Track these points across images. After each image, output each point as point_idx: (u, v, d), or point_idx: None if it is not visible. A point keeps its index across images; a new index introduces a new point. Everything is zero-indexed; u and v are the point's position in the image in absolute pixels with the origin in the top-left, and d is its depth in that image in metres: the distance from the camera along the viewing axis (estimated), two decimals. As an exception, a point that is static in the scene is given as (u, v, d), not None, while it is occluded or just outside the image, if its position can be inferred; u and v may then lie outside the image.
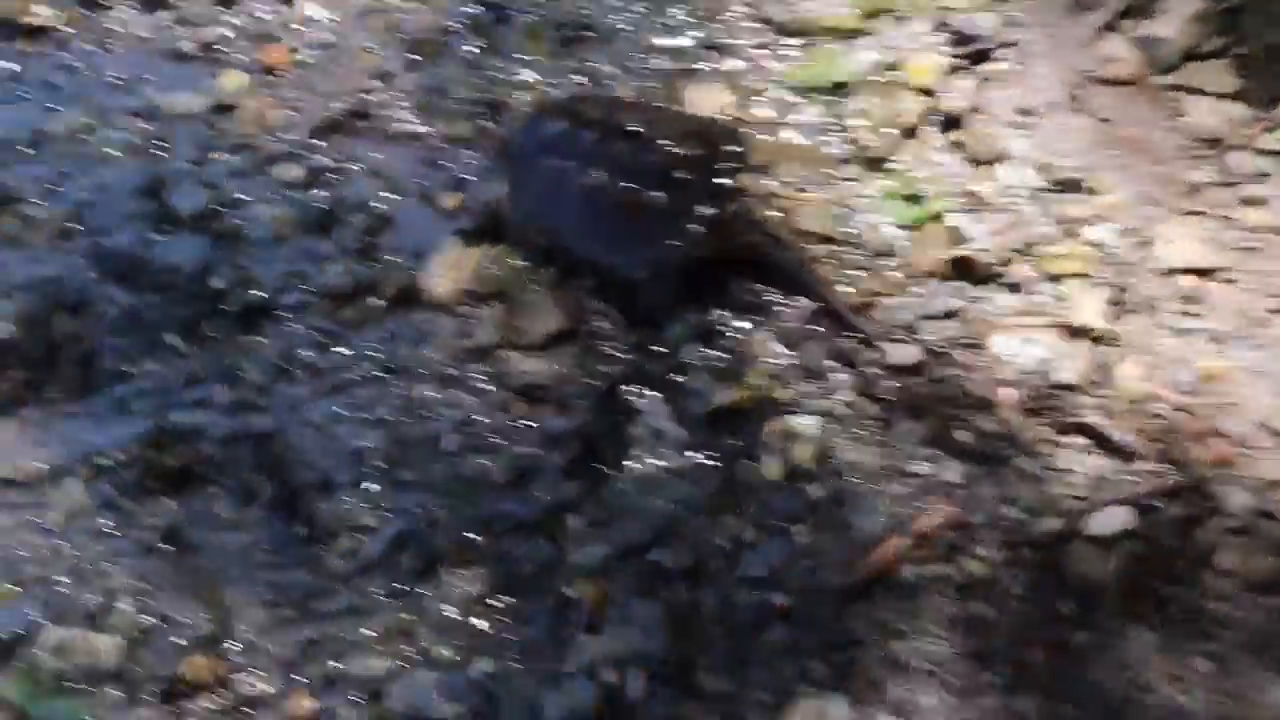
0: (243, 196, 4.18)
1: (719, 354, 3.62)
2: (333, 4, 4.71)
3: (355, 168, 4.15)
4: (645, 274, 3.45)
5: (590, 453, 3.47)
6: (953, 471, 3.26)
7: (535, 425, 3.51)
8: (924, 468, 3.29)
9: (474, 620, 3.02)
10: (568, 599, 3.00)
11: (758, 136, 3.87)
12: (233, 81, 4.52)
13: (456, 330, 3.59)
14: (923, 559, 3.08)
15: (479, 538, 3.33)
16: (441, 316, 3.65)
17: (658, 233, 3.44)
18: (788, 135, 3.94)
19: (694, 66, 4.22)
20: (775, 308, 3.63)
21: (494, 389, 3.46)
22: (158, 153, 4.35)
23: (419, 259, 3.80)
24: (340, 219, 4.05)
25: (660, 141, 3.53)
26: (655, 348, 3.61)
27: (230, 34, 4.69)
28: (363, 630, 3.03)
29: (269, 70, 4.53)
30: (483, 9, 4.59)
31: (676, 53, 4.25)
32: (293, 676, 2.99)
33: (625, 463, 3.40)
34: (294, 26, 4.68)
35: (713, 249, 3.49)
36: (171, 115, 4.45)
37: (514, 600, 3.05)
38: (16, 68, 4.62)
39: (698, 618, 2.90)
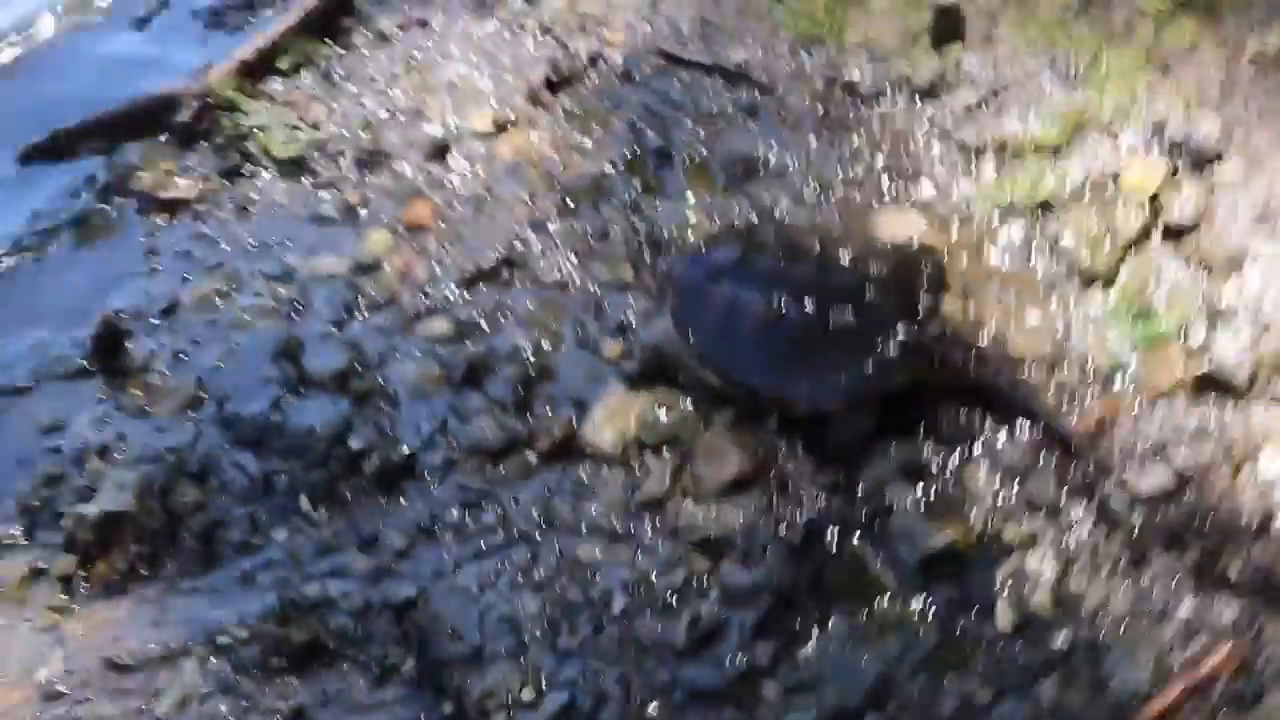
0: (385, 355, 4.10)
1: (930, 492, 3.27)
2: (482, 158, 4.68)
3: (507, 319, 4.11)
4: (838, 405, 3.16)
5: (785, 609, 3.14)
6: (1228, 609, 2.82)
7: (718, 582, 3.19)
8: (1189, 607, 2.85)
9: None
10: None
11: (958, 260, 3.55)
12: (377, 241, 4.47)
13: (623, 482, 3.44)
14: (1205, 713, 2.63)
15: (657, 711, 2.98)
16: (606, 468, 3.50)
17: (849, 360, 3.24)
18: (992, 259, 3.62)
19: (880, 195, 3.93)
20: (989, 438, 3.29)
21: (668, 544, 3.28)
22: (294, 317, 4.30)
23: (579, 409, 3.66)
24: (491, 371, 3.95)
25: (846, 264, 3.35)
26: (854, 489, 3.28)
27: (373, 195, 4.66)
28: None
29: (414, 227, 4.47)
30: (641, 152, 4.51)
31: (858, 182, 4.06)
32: None
33: (827, 619, 3.03)
34: (442, 183, 4.63)
35: (912, 376, 3.29)
36: (310, 278, 4.42)
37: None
38: (153, 239, 4.68)
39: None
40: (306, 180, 4.77)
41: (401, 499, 3.57)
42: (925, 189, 4.04)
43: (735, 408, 3.45)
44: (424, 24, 5.38)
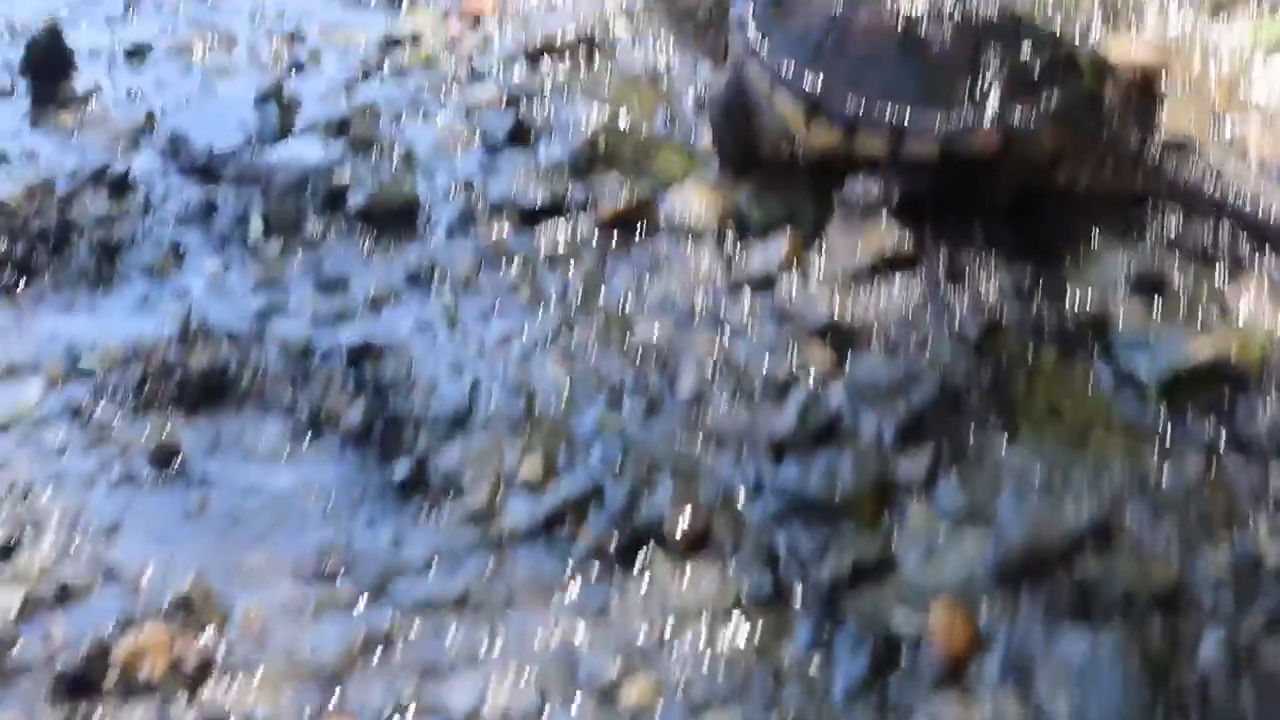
0: (404, 113, 3.17)
1: (1177, 304, 2.21)
2: None
3: (574, 94, 3.21)
4: (994, 139, 2.45)
5: (948, 415, 2.06)
6: None
7: (847, 376, 2.16)
8: None
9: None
10: (892, 638, 1.90)
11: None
12: (421, 18, 3.63)
13: (711, 257, 2.61)
14: None
15: (732, 517, 1.90)
16: (689, 243, 2.65)
17: (1014, 91, 2.49)
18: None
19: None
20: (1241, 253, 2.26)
21: (772, 328, 2.41)
22: (294, 73, 3.38)
23: (659, 190, 2.78)
24: (545, 136, 3.02)
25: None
26: (1061, 291, 2.25)
27: None
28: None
29: (475, 14, 3.58)
30: None
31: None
32: None
33: (1014, 436, 1.96)
34: None
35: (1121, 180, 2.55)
36: (326, 44, 3.52)
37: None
38: None
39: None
40: None
41: (391, 244, 2.76)
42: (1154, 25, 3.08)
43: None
44: None
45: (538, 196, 2.76)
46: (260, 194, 2.84)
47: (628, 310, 2.45)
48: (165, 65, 3.46)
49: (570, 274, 2.56)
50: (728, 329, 2.37)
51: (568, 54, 3.32)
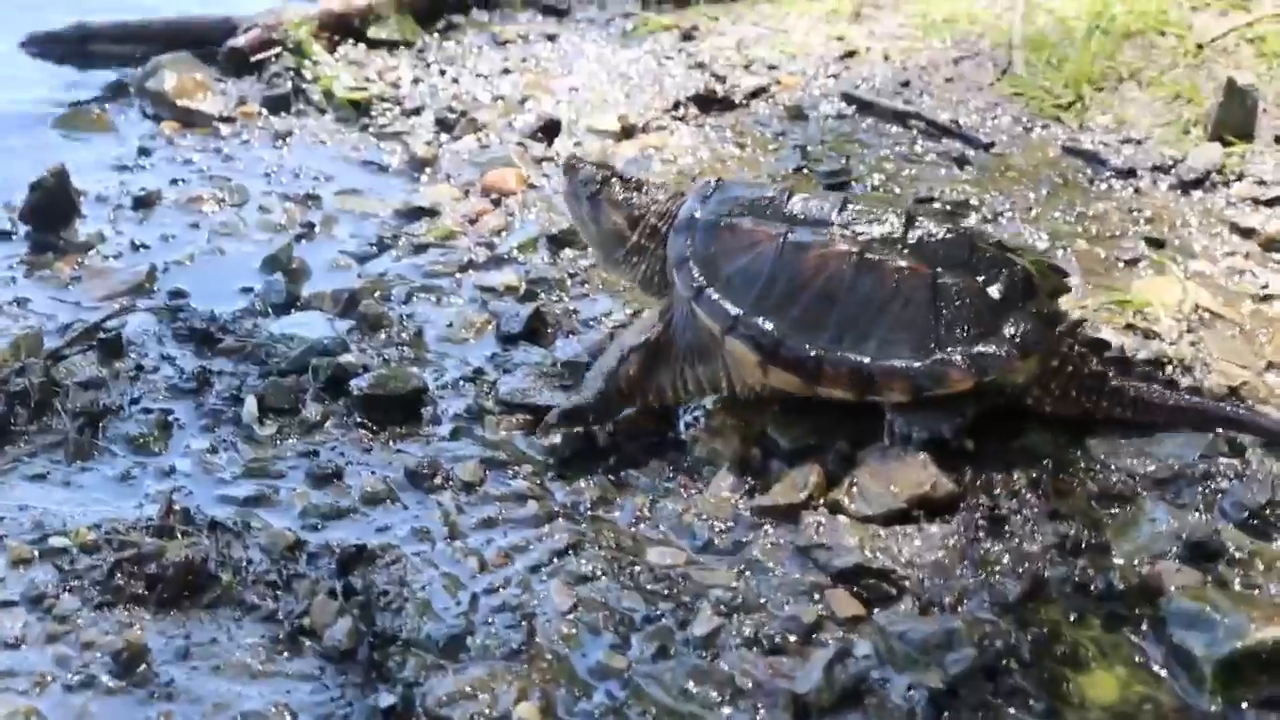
0: (415, 293, 3.11)
1: (1231, 575, 2.10)
2: (599, 149, 3.90)
3: (598, 287, 3.18)
4: (1020, 366, 2.50)
5: (983, 682, 1.91)
6: None
7: (876, 629, 2.04)
8: None
9: None
10: None
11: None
12: (440, 192, 3.61)
13: (733, 484, 2.48)
14: None
15: None
16: (711, 466, 2.54)
17: (1013, 321, 2.55)
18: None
19: (1134, 259, 3.30)
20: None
21: (796, 565, 2.27)
22: (304, 240, 3.36)
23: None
24: (560, 331, 2.98)
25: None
26: (1105, 550, 2.17)
27: (447, 155, 3.83)
28: None
29: (495, 192, 3.60)
30: (808, 172, 3.72)
31: (1103, 239, 3.38)
32: None
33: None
34: (542, 159, 3.83)
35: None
36: (340, 209, 3.48)
37: None
38: (153, 142, 3.89)
39: None
40: (367, 127, 4.03)
41: (393, 436, 2.64)
42: (1191, 261, 3.02)
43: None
44: (552, 38, 4.78)
45: (552, 397, 2.65)
46: (259, 369, 2.75)
47: (640, 532, 2.31)
48: (172, 218, 3.43)
49: (581, 488, 2.44)
50: (748, 564, 2.23)
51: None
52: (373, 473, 2.46)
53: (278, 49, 4.29)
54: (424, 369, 2.79)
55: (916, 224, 2.61)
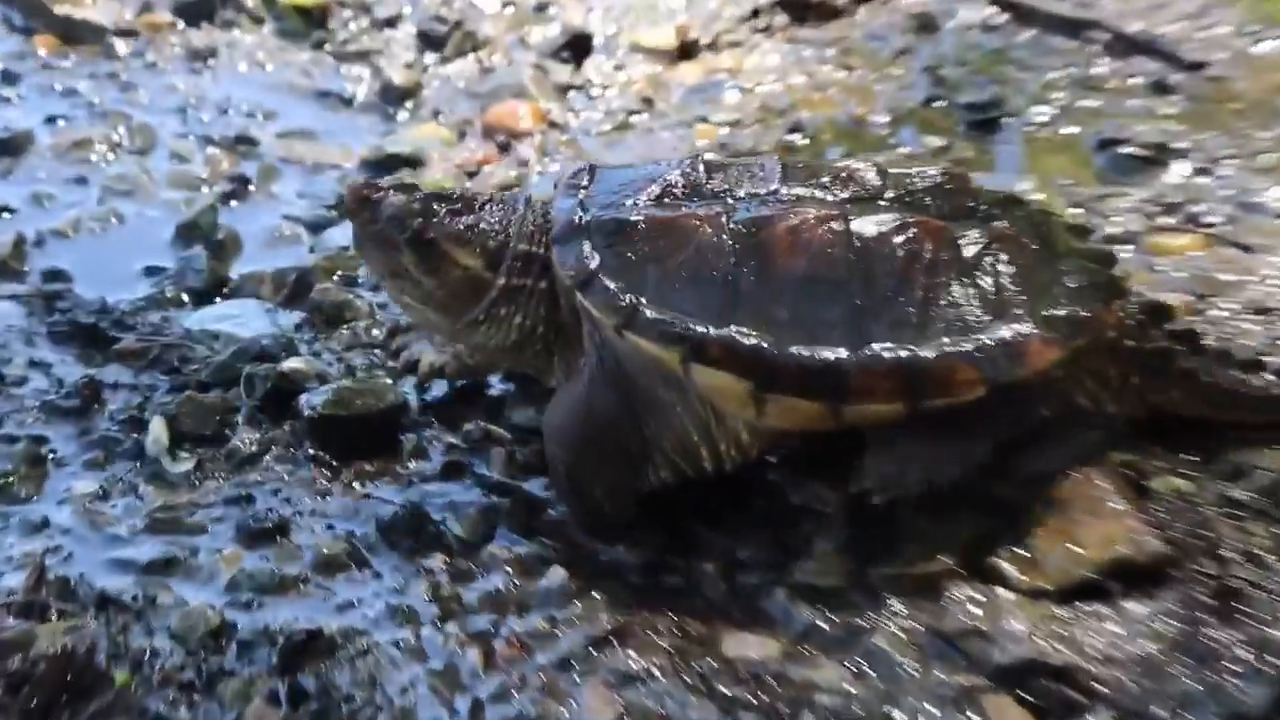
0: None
1: None
2: (648, 74, 4.01)
3: None
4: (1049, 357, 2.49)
5: None
6: None
7: None
8: None
9: None
10: None
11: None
12: (425, 134, 3.68)
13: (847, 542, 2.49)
14: None
15: None
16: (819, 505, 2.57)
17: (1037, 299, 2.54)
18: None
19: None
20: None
21: (942, 664, 2.26)
22: (235, 200, 3.40)
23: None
24: None
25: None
26: None
27: (436, 82, 3.90)
28: None
29: (501, 130, 3.68)
30: (946, 106, 3.66)
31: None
32: None
33: None
34: (566, 87, 3.93)
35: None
36: (284, 158, 3.51)
37: None
38: (20, 65, 3.95)
39: None
40: (323, 44, 4.12)
41: (361, 474, 2.66)
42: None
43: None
44: None
45: None
46: (169, 380, 2.79)
47: (713, 612, 2.29)
48: (48, 169, 3.49)
49: (628, 547, 2.43)
50: (867, 657, 2.22)
51: None
52: (331, 527, 2.48)
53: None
54: (402, 381, 2.81)
55: (887, 175, 2.61)
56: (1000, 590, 2.29)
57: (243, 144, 3.53)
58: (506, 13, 4.07)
